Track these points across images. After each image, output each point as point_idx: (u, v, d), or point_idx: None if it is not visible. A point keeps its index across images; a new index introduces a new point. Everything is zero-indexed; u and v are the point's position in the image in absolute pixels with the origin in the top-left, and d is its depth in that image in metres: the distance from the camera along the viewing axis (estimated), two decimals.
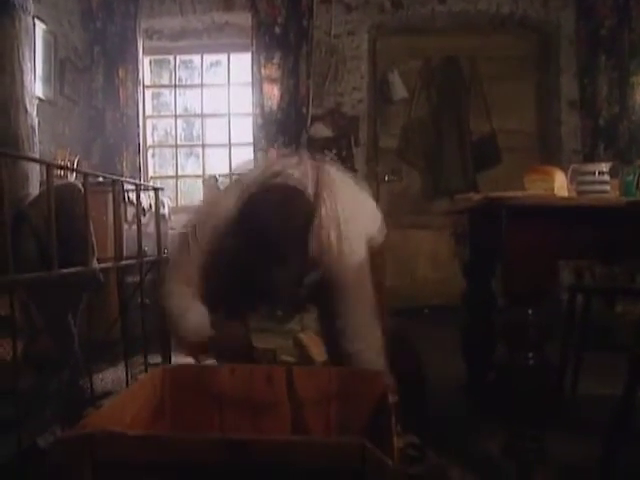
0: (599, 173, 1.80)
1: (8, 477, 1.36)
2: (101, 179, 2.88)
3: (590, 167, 1.86)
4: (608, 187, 1.79)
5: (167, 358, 2.34)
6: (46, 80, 3.56)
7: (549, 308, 1.64)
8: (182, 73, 4.64)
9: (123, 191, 2.88)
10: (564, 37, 4.17)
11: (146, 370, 2.01)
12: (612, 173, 1.83)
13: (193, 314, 1.54)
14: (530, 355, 1.60)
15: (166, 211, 3.87)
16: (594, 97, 4.03)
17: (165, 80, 4.65)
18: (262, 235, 1.39)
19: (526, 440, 1.60)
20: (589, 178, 1.80)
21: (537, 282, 1.60)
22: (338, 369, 1.42)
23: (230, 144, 4.52)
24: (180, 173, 4.61)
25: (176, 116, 4.60)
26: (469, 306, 2.34)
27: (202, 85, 4.56)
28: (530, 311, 1.59)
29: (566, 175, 1.93)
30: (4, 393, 1.61)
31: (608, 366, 2.57)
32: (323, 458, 0.87)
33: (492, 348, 2.24)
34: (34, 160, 2.17)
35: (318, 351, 2.23)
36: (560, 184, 1.89)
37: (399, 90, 4.23)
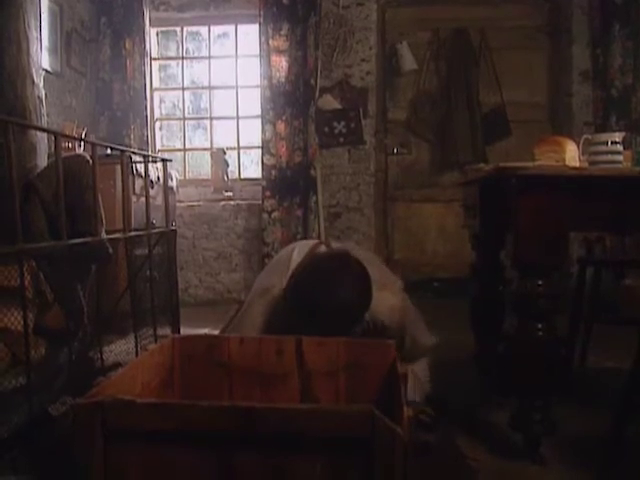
0: (612, 143, 1.76)
1: (20, 445, 1.37)
2: (109, 151, 2.88)
3: (602, 137, 1.83)
4: (621, 157, 1.76)
5: (176, 330, 2.35)
6: (52, 52, 3.53)
7: (559, 280, 1.63)
8: (189, 45, 4.59)
9: (131, 163, 2.87)
10: (576, 6, 4.08)
11: (155, 342, 2.03)
12: (625, 144, 1.79)
13: None
14: (539, 326, 1.60)
15: (174, 184, 3.87)
16: (607, 67, 3.94)
17: (172, 52, 4.60)
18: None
19: (534, 411, 1.61)
20: (601, 148, 1.77)
21: (547, 253, 1.59)
22: (347, 340, 1.42)
23: (238, 116, 4.49)
24: (188, 146, 4.59)
25: (183, 88, 4.57)
26: (478, 278, 2.33)
27: (209, 57, 4.52)
28: (540, 282, 1.58)
29: (577, 146, 1.90)
30: (16, 364, 1.63)
31: (617, 339, 2.57)
32: (332, 426, 0.87)
33: (501, 320, 2.24)
34: (42, 129, 2.15)
35: None
36: (571, 155, 1.86)
37: (408, 62, 4.18)
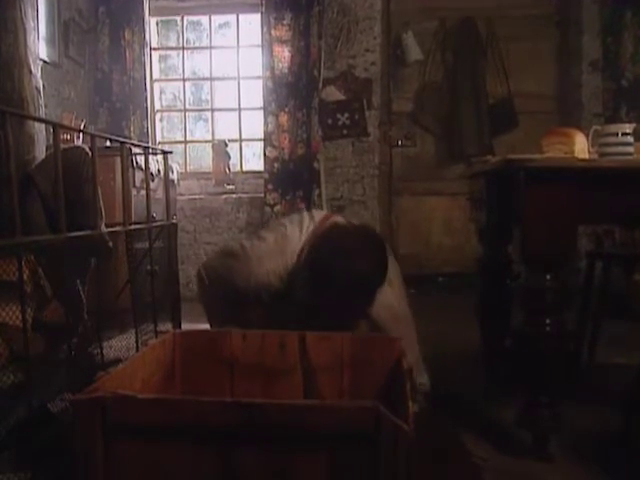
0: (622, 134, 1.73)
1: (19, 441, 1.36)
2: (108, 143, 2.85)
3: (613, 128, 1.80)
4: (632, 149, 1.73)
5: (177, 325, 2.33)
6: (50, 42, 3.50)
7: (567, 274, 1.61)
8: (190, 35, 4.55)
9: (131, 155, 2.84)
10: None
11: (156, 337, 2.01)
12: (636, 136, 1.76)
13: None
14: (547, 321, 1.58)
15: (175, 177, 3.84)
16: (617, 57, 3.91)
17: (172, 42, 4.57)
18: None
19: (542, 408, 1.60)
20: (612, 139, 1.75)
21: (556, 247, 1.57)
22: (351, 335, 1.40)
23: (240, 108, 4.46)
24: (189, 138, 4.57)
25: (184, 79, 4.53)
26: (485, 272, 2.31)
27: (211, 47, 4.48)
28: (548, 276, 1.57)
29: (587, 137, 1.87)
30: (14, 359, 1.61)
31: (626, 335, 2.55)
32: (336, 422, 0.86)
33: (508, 315, 2.22)
34: (41, 120, 2.13)
35: None
36: (580, 147, 1.84)
37: (413, 52, 4.15)
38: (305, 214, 1.85)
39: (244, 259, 1.73)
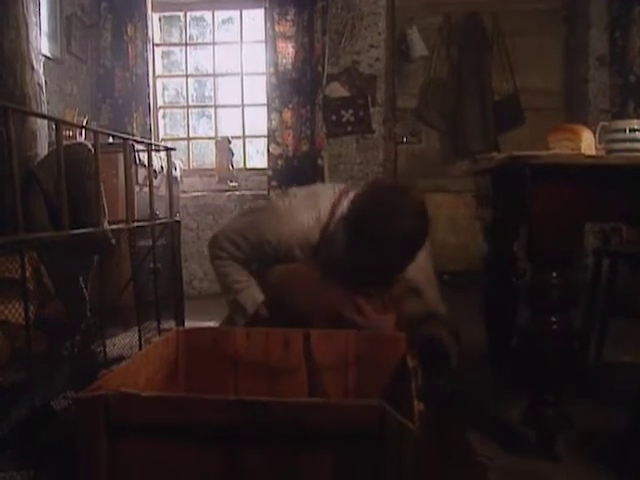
0: (630, 130, 1.72)
1: (22, 440, 1.36)
2: (111, 139, 2.83)
3: (620, 124, 1.79)
4: None
5: (180, 323, 2.32)
6: (52, 37, 3.49)
7: (574, 272, 1.60)
8: (193, 30, 4.54)
9: (134, 152, 2.82)
10: None
11: (159, 335, 2.00)
12: None
13: (253, 288, 1.70)
14: (554, 319, 1.57)
15: (178, 174, 3.83)
16: (625, 52, 3.87)
17: (175, 38, 4.55)
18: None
19: (548, 407, 1.58)
20: (619, 136, 1.74)
21: (562, 245, 1.56)
22: (356, 333, 1.39)
23: (243, 104, 4.44)
24: (192, 135, 4.55)
25: (187, 75, 4.52)
26: (490, 270, 2.30)
27: (214, 43, 4.46)
28: (554, 274, 1.55)
29: (594, 134, 1.85)
30: (17, 357, 1.61)
31: (634, 333, 2.53)
32: (341, 421, 0.86)
33: (514, 313, 2.21)
34: (43, 116, 2.12)
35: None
36: (587, 143, 1.83)
37: (418, 48, 4.13)
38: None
39: (274, 212, 1.69)
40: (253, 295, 1.70)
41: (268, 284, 1.68)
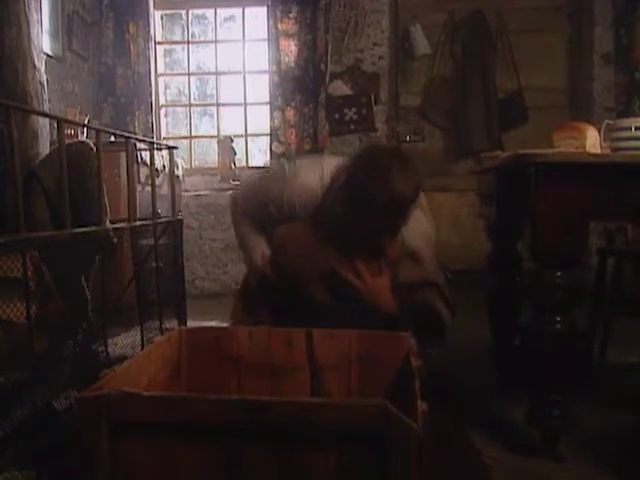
0: (635, 129, 1.71)
1: (24, 439, 1.35)
2: (113, 138, 2.83)
3: (625, 122, 1.79)
4: None
5: (183, 322, 2.32)
6: (53, 35, 3.47)
7: (578, 271, 1.59)
8: (195, 29, 4.52)
9: (136, 150, 2.82)
10: None
11: (161, 334, 2.00)
12: None
13: (262, 246, 1.79)
14: (558, 319, 1.57)
15: (180, 173, 3.82)
16: (630, 49, 3.85)
17: (177, 36, 4.54)
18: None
19: (552, 407, 1.58)
20: (624, 134, 1.73)
21: (566, 244, 1.55)
22: (358, 332, 1.38)
23: (245, 103, 4.42)
24: (194, 133, 4.54)
25: (189, 74, 4.50)
26: (494, 269, 2.29)
27: (216, 41, 4.44)
28: (559, 273, 1.55)
29: (599, 132, 1.84)
30: (19, 357, 1.60)
31: (638, 334, 2.52)
32: (344, 421, 0.85)
33: (518, 312, 2.20)
34: (45, 115, 2.11)
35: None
36: (592, 141, 1.83)
37: (422, 45, 4.12)
38: None
39: (280, 173, 1.82)
40: (262, 252, 1.78)
41: (272, 243, 1.77)
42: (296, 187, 1.70)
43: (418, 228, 1.67)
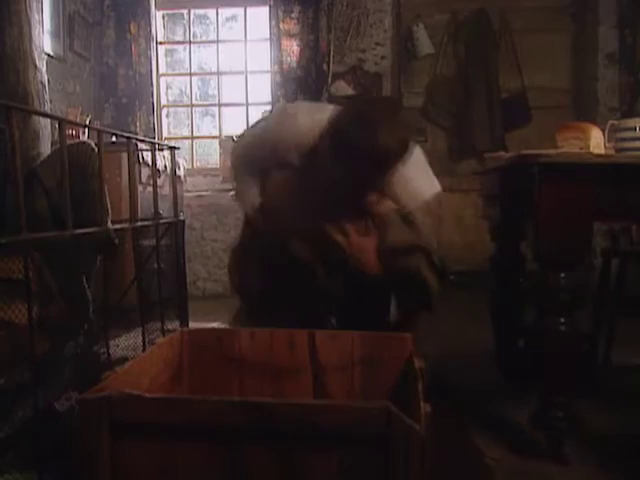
0: None
1: (25, 441, 1.35)
2: (114, 138, 2.82)
3: (630, 122, 1.78)
4: None
5: (184, 324, 2.31)
6: (54, 35, 3.47)
7: (582, 273, 1.58)
8: (197, 28, 4.51)
9: (137, 151, 2.81)
10: None
11: (163, 336, 1.99)
12: None
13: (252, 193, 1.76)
14: (561, 320, 1.56)
15: (182, 173, 3.81)
16: (635, 49, 3.85)
17: (179, 36, 4.53)
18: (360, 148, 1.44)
19: (556, 409, 1.57)
20: (629, 134, 1.73)
21: (570, 245, 1.55)
22: (361, 334, 1.37)
23: (247, 103, 4.41)
24: (195, 134, 4.53)
25: (191, 74, 4.49)
26: (497, 270, 2.29)
27: (218, 41, 4.44)
28: (562, 274, 1.54)
29: (603, 132, 1.84)
30: (20, 358, 1.60)
31: None
32: (347, 423, 0.85)
33: (521, 313, 2.19)
34: (46, 115, 2.11)
35: None
36: (596, 142, 1.82)
37: (425, 45, 4.12)
38: None
39: (280, 113, 1.81)
40: (251, 200, 1.77)
41: (263, 192, 1.74)
42: (293, 127, 1.64)
43: (415, 192, 1.61)
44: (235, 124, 4.49)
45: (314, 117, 1.62)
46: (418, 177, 1.63)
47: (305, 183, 1.60)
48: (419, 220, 1.61)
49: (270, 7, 4.04)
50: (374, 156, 1.46)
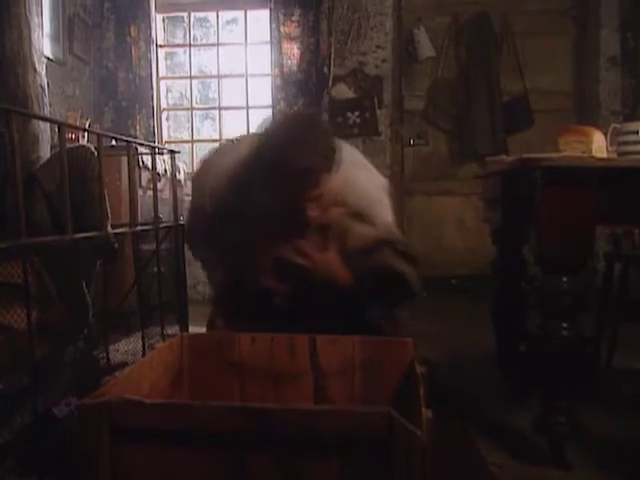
0: None
1: (24, 446, 1.34)
2: (114, 142, 2.82)
3: (632, 126, 1.78)
4: None
5: (184, 328, 2.30)
6: (54, 39, 3.47)
7: (584, 277, 1.57)
8: (197, 31, 4.52)
9: (137, 154, 2.81)
10: None
11: (163, 340, 1.99)
12: None
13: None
14: (564, 325, 1.55)
15: (182, 177, 3.81)
16: (637, 52, 3.85)
17: (179, 39, 4.53)
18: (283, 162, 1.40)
19: (559, 414, 1.56)
20: (631, 138, 1.72)
21: (572, 248, 1.55)
22: (362, 338, 1.36)
23: (248, 106, 4.41)
24: (196, 137, 4.53)
25: (191, 77, 4.49)
26: (499, 274, 2.28)
27: (218, 44, 4.44)
28: (565, 278, 1.54)
29: (605, 136, 1.83)
30: (19, 363, 1.59)
31: None
32: (348, 428, 0.85)
33: (523, 318, 2.18)
34: (46, 119, 2.11)
35: None
36: (598, 145, 1.81)
37: (426, 48, 4.11)
38: None
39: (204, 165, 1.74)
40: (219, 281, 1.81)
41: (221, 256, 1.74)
42: (218, 172, 1.60)
43: (360, 189, 1.58)
44: (235, 127, 4.49)
45: (232, 156, 1.58)
46: (358, 175, 1.61)
47: (250, 220, 1.54)
48: (373, 213, 1.58)
49: (270, 10, 4.04)
50: (299, 177, 1.42)
